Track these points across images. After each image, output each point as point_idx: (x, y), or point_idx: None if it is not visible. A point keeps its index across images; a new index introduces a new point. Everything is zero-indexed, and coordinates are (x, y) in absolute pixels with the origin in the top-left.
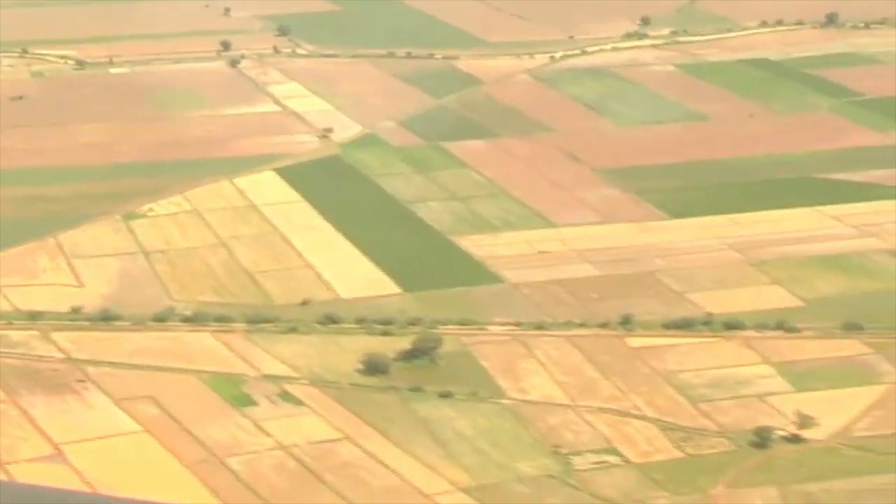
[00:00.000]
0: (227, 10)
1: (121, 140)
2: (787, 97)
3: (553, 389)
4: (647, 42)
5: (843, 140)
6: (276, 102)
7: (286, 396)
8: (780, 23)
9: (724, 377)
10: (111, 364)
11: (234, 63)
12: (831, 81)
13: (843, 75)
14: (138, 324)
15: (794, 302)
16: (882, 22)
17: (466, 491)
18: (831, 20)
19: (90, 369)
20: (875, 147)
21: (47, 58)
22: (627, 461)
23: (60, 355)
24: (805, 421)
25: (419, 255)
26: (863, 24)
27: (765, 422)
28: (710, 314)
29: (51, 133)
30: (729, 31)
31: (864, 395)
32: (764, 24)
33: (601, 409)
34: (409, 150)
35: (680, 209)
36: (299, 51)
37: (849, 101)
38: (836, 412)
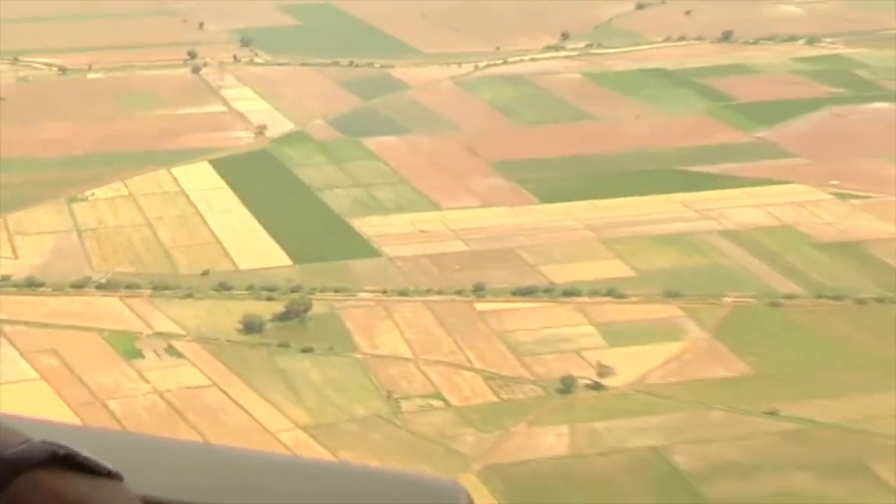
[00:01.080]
0: (201, 24)
1: (80, 135)
2: (672, 101)
3: (401, 346)
4: (562, 54)
5: (709, 138)
6: (225, 104)
7: (171, 351)
8: (682, 38)
9: (551, 336)
10: (25, 323)
11: (196, 70)
12: (713, 88)
13: (724, 83)
14: (57, 290)
15: (629, 273)
16: (770, 38)
17: (304, 429)
18: (726, 36)
19: (6, 328)
20: (735, 144)
21: (34, 65)
22: (448, 405)
23: None
24: (605, 371)
25: (315, 233)
26: (753, 40)
27: (574, 372)
28: (552, 283)
29: (19, 129)
30: (637, 44)
31: (665, 351)
32: (668, 39)
33: (437, 362)
34: (329, 144)
35: (551, 195)
36: (256, 59)
37: (724, 104)
38: (636, 364)
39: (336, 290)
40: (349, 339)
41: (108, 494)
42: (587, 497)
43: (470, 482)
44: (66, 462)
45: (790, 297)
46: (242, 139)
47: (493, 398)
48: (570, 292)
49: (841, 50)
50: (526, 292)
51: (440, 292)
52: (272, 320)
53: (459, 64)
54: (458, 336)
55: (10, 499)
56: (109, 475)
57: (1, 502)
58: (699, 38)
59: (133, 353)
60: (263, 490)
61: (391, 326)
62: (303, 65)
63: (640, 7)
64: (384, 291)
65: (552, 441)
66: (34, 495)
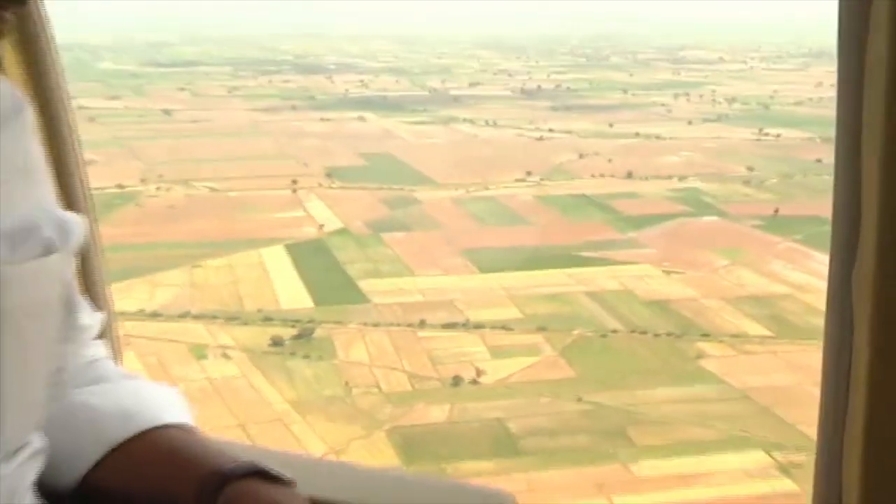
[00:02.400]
0: (306, 164)
1: (214, 229)
2: (582, 214)
3: (363, 356)
4: (524, 184)
5: (597, 236)
6: (304, 211)
7: (224, 356)
8: (602, 175)
9: (457, 352)
10: (145, 337)
11: (294, 191)
12: (610, 206)
13: (618, 203)
14: (168, 319)
15: (519, 316)
16: (656, 176)
17: (290, 402)
18: (629, 175)
19: (133, 340)
20: (613, 240)
21: (197, 187)
22: (381, 391)
23: None
24: (480, 374)
25: (333, 288)
26: (644, 177)
27: (462, 374)
28: (468, 320)
29: (180, 225)
30: (573, 179)
31: (525, 362)
32: (593, 176)
33: (382, 366)
34: (360, 236)
35: (488, 269)
36: (332, 185)
37: (614, 216)
38: (503, 370)
39: (334, 322)
40: (333, 351)
41: (291, 497)
42: (450, 444)
43: (380, 436)
44: (260, 474)
45: (614, 331)
46: (308, 233)
47: (410, 388)
48: (478, 326)
49: (698, 184)
50: (450, 326)
51: (398, 325)
52: (290, 339)
53: (457, 189)
54: (401, 352)
55: (226, 500)
56: (289, 483)
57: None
58: (612, 176)
59: (201, 357)
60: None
61: (361, 345)
62: (360, 189)
63: (581, 157)
64: (364, 323)
65: (437, 414)
66: (242, 498)
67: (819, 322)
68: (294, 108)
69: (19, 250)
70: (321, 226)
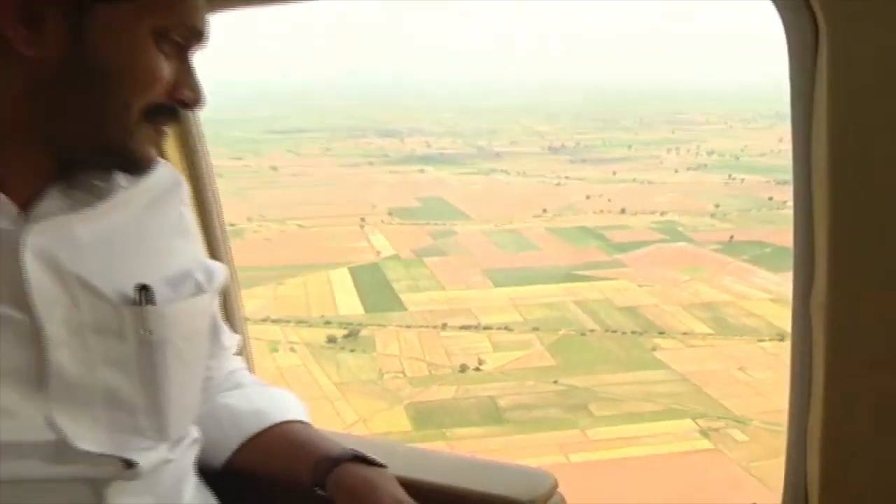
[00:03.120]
0: (374, 206)
1: (293, 256)
2: (581, 240)
3: (396, 350)
4: (540, 219)
5: (590, 258)
6: (368, 242)
7: (291, 350)
8: (601, 211)
9: (468, 347)
10: None
11: (361, 227)
12: (604, 235)
13: (610, 233)
14: (254, 323)
15: (519, 319)
16: (643, 211)
17: (335, 384)
18: (623, 210)
19: None
20: (601, 261)
21: (288, 223)
22: (406, 376)
23: None
24: (481, 363)
25: (381, 300)
26: (633, 212)
27: (468, 363)
28: (479, 323)
29: (269, 254)
30: (577, 213)
31: (518, 354)
32: (594, 212)
33: (409, 357)
34: (407, 260)
35: (501, 284)
36: (394, 222)
37: (605, 243)
38: (500, 360)
39: (377, 325)
40: (373, 347)
41: (382, 477)
42: (451, 415)
43: (399, 409)
44: (360, 458)
45: (592, 331)
46: (367, 258)
47: (427, 374)
48: (486, 327)
49: (675, 218)
50: (465, 327)
51: (425, 326)
52: (341, 337)
53: (486, 224)
54: (424, 347)
55: (334, 481)
56: (382, 465)
57: (329, 484)
58: (609, 212)
59: (274, 350)
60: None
61: (395, 342)
62: (413, 224)
63: (587, 198)
64: (399, 326)
65: (445, 393)
66: (348, 479)
67: (750, 322)
68: (371, 163)
69: (178, 292)
70: (378, 252)
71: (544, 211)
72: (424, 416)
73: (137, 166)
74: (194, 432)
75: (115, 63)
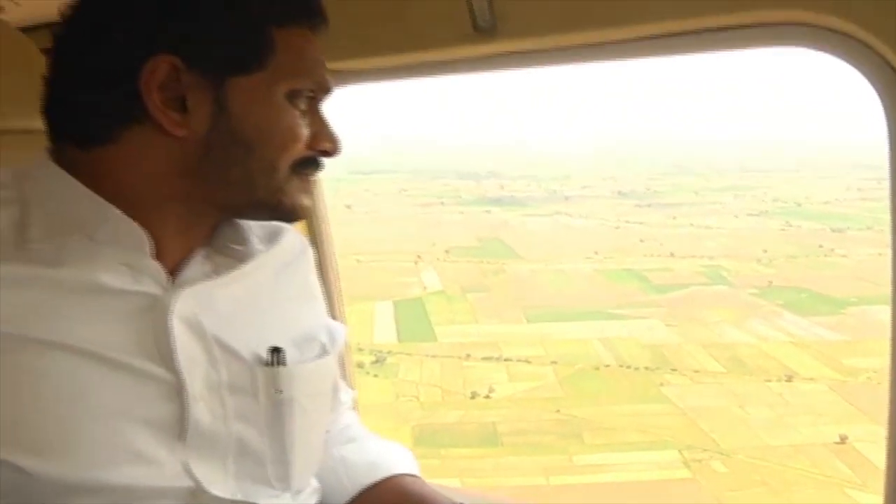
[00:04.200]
0: (433, 244)
1: (353, 289)
2: (625, 282)
3: (416, 377)
4: (590, 260)
5: (634, 300)
6: (418, 277)
7: None
8: (652, 255)
9: (485, 376)
10: None
11: (415, 263)
12: (648, 278)
13: (652, 275)
14: None
15: (543, 353)
16: (680, 255)
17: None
18: (671, 254)
19: None
20: (640, 301)
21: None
22: (419, 401)
23: None
24: (491, 391)
25: (417, 330)
26: (682, 256)
27: (479, 391)
28: (502, 356)
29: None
30: (633, 256)
31: (531, 384)
32: (644, 255)
33: (427, 384)
34: (451, 296)
35: (533, 320)
36: (447, 260)
37: (648, 284)
38: (510, 390)
39: (405, 353)
40: (395, 373)
41: None
42: (451, 437)
43: (406, 429)
44: None
45: (607, 365)
46: (414, 292)
47: (440, 400)
48: (507, 359)
49: (721, 262)
50: (487, 358)
51: (450, 356)
52: (369, 363)
53: (537, 263)
54: (444, 375)
55: None
56: None
57: None
58: (659, 256)
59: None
60: None
61: (417, 369)
62: (467, 262)
63: (641, 241)
64: (426, 355)
65: (452, 417)
66: None
67: (763, 363)
68: (443, 203)
69: (305, 354)
70: (425, 287)
71: (595, 253)
72: (426, 437)
73: (293, 216)
74: (314, 482)
75: (257, 128)
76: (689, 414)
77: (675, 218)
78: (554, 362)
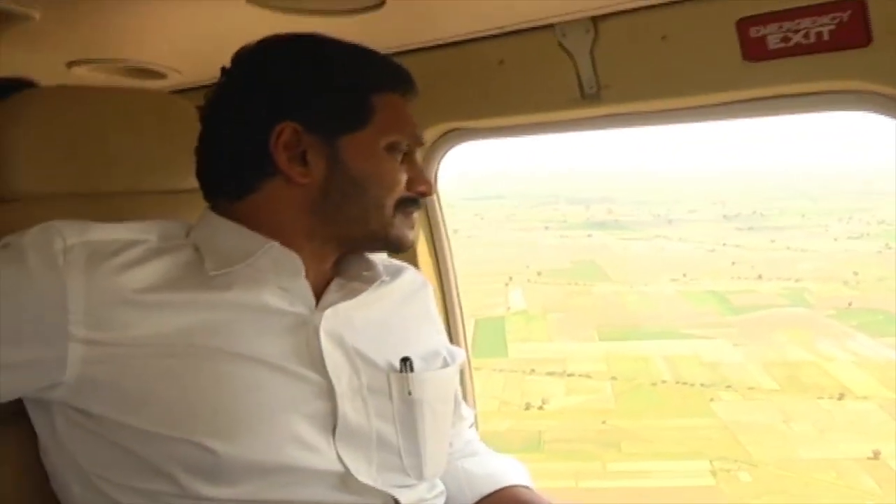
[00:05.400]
0: (527, 266)
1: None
2: (701, 303)
3: (479, 389)
4: (676, 282)
5: (709, 318)
6: (505, 297)
7: None
8: (739, 278)
9: (542, 391)
10: None
11: (506, 284)
12: (728, 299)
13: (732, 296)
14: None
15: (603, 368)
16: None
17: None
18: (759, 277)
19: None
20: (716, 322)
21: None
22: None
23: None
24: (544, 403)
25: (490, 347)
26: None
27: (533, 403)
28: (565, 370)
29: None
30: (721, 278)
31: (583, 399)
32: (734, 279)
33: (489, 396)
34: (531, 315)
35: (606, 339)
36: (537, 281)
37: (728, 306)
38: (564, 402)
39: (474, 368)
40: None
41: None
42: (495, 443)
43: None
44: None
45: (664, 382)
46: (497, 312)
47: (495, 409)
48: (569, 374)
49: (807, 285)
50: (550, 373)
51: (515, 371)
52: None
53: (623, 285)
54: (506, 388)
55: None
56: None
57: None
58: (746, 278)
59: None
60: None
61: (483, 382)
62: (555, 284)
63: (733, 264)
64: (493, 369)
65: (502, 425)
66: None
67: (821, 381)
68: (547, 228)
69: (430, 365)
70: (509, 307)
71: (683, 275)
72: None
73: (401, 246)
74: (442, 486)
75: (365, 174)
76: (731, 428)
77: (773, 241)
78: (613, 378)
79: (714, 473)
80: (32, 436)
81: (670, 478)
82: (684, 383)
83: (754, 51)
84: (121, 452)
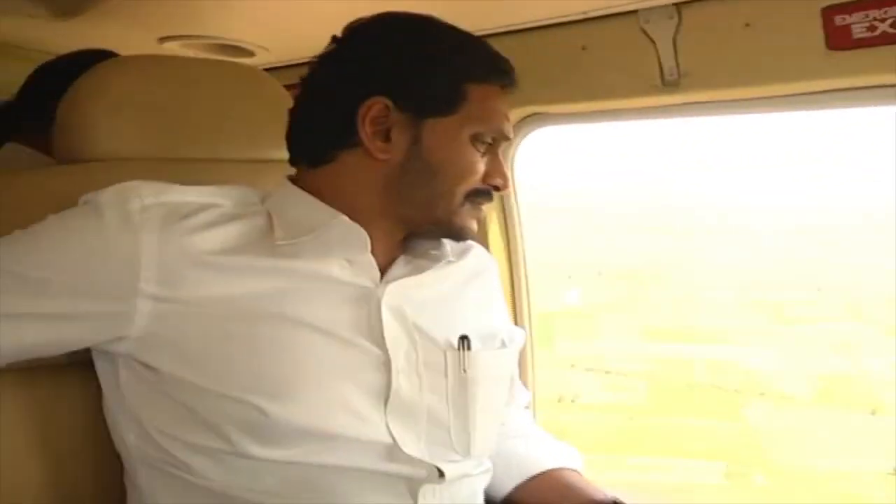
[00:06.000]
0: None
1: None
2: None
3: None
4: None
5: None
6: (561, 294)
7: None
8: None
9: (578, 386)
10: None
11: (565, 282)
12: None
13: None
14: None
15: (642, 368)
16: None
17: None
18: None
19: None
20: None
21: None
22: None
23: None
24: (576, 397)
25: (540, 342)
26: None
27: (566, 397)
28: (603, 367)
29: None
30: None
31: (616, 395)
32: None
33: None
34: (582, 312)
35: (653, 339)
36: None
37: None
38: (596, 397)
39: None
40: None
41: None
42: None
43: None
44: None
45: (700, 384)
46: (551, 308)
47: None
48: (607, 371)
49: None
50: (589, 370)
51: (556, 366)
52: None
53: (682, 288)
54: (545, 381)
55: None
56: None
57: None
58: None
59: None
60: None
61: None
62: (613, 285)
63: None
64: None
65: (537, 415)
66: None
67: (858, 395)
68: (616, 228)
69: (487, 345)
70: (563, 304)
71: (743, 283)
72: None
73: (461, 235)
74: (488, 463)
75: (442, 160)
76: (756, 433)
77: (840, 255)
78: (651, 377)
79: (728, 475)
80: (97, 385)
81: (684, 474)
82: (719, 387)
83: (839, 40)
84: (178, 407)
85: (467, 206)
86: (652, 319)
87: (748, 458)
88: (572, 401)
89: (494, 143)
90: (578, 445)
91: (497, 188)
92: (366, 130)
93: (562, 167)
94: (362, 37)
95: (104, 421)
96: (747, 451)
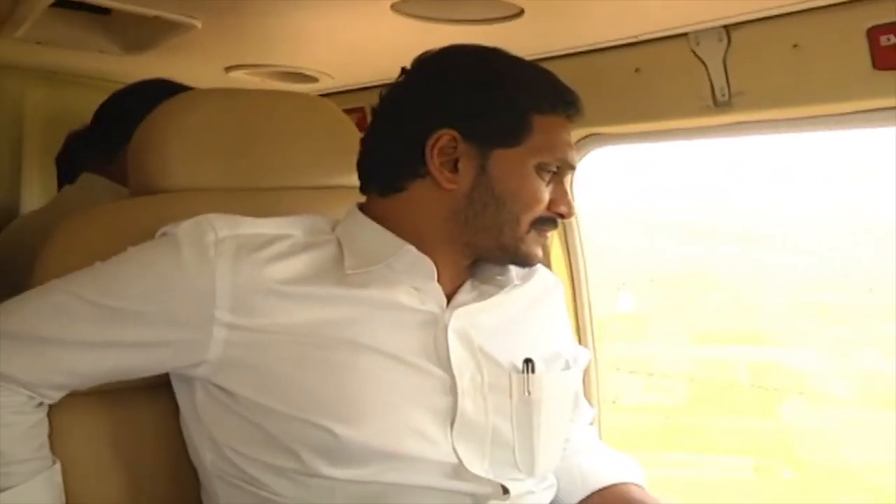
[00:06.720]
0: (623, 284)
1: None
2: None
3: None
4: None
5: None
6: (613, 300)
7: None
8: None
9: (618, 387)
10: None
11: (618, 289)
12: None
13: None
14: None
15: (683, 370)
16: None
17: None
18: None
19: None
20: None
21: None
22: None
23: None
24: (617, 397)
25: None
26: None
27: (606, 396)
28: (646, 369)
29: None
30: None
31: (654, 395)
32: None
33: None
34: (632, 317)
35: (701, 342)
36: (651, 289)
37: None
38: (634, 397)
39: None
40: None
41: None
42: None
43: None
44: None
45: (740, 384)
46: (605, 314)
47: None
48: (650, 373)
49: None
50: (633, 371)
51: (601, 369)
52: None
53: (731, 294)
54: None
55: None
56: None
57: None
58: (870, 291)
59: None
60: None
61: None
62: (665, 292)
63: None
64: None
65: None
66: None
67: None
68: (670, 236)
69: (551, 367)
70: (614, 310)
71: (795, 287)
72: None
73: (527, 262)
74: (552, 479)
75: (508, 190)
76: (789, 430)
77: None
78: (692, 379)
79: (756, 469)
80: (175, 406)
81: (714, 470)
82: (759, 387)
83: (885, 59)
84: (252, 428)
85: (533, 234)
86: (699, 324)
87: (778, 454)
88: (613, 402)
89: (559, 172)
90: (616, 444)
91: (562, 216)
92: (434, 161)
93: (623, 183)
94: (430, 70)
95: (182, 441)
96: (778, 448)
